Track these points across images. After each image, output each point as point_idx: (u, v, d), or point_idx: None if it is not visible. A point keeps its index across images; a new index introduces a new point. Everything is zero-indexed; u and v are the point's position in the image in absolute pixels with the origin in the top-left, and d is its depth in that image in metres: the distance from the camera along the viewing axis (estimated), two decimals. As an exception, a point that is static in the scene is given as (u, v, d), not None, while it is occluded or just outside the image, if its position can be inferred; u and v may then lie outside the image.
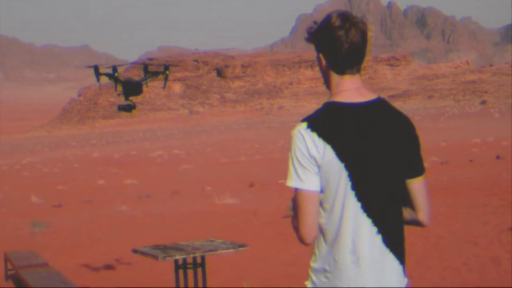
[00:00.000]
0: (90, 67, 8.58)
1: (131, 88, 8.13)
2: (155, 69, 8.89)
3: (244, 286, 7.78)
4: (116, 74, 8.14)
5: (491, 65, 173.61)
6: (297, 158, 2.37)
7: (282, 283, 7.67)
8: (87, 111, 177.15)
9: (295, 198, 2.40)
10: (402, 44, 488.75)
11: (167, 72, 8.38)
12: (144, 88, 8.22)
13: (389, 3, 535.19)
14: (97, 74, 8.34)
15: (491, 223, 10.30)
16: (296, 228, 2.42)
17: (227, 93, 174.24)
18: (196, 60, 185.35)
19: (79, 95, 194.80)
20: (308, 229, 2.39)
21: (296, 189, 2.39)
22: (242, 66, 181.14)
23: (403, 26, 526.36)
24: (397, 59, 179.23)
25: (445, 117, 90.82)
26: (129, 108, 8.15)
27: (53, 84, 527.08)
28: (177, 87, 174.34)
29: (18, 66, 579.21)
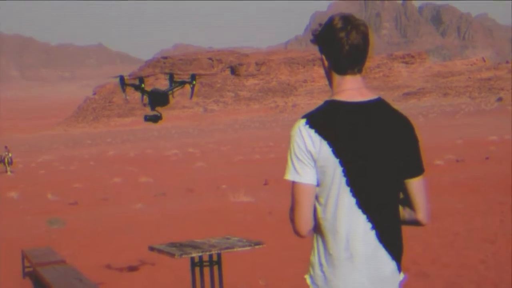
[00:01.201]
0: (115, 77, 8.48)
1: (158, 98, 7.98)
2: (181, 77, 8.61)
3: (260, 283, 7.78)
4: (142, 85, 8.01)
5: (507, 62, 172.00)
6: (294, 153, 2.48)
7: (298, 280, 7.66)
8: (102, 109, 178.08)
9: (292, 191, 2.50)
10: (417, 42, 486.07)
11: (194, 82, 8.14)
12: (171, 99, 8.03)
13: (404, 0, 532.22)
14: (123, 85, 8.20)
15: (509, 221, 10.22)
16: (292, 220, 2.51)
17: (241, 91, 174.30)
18: (210, 58, 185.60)
19: (94, 94, 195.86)
20: (303, 222, 2.48)
21: (293, 182, 2.49)
22: (256, 64, 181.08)
23: (418, 23, 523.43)
24: (412, 57, 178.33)
25: (461, 115, 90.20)
26: (155, 118, 7.99)
27: (68, 83, 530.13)
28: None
29: (34, 65, 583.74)
